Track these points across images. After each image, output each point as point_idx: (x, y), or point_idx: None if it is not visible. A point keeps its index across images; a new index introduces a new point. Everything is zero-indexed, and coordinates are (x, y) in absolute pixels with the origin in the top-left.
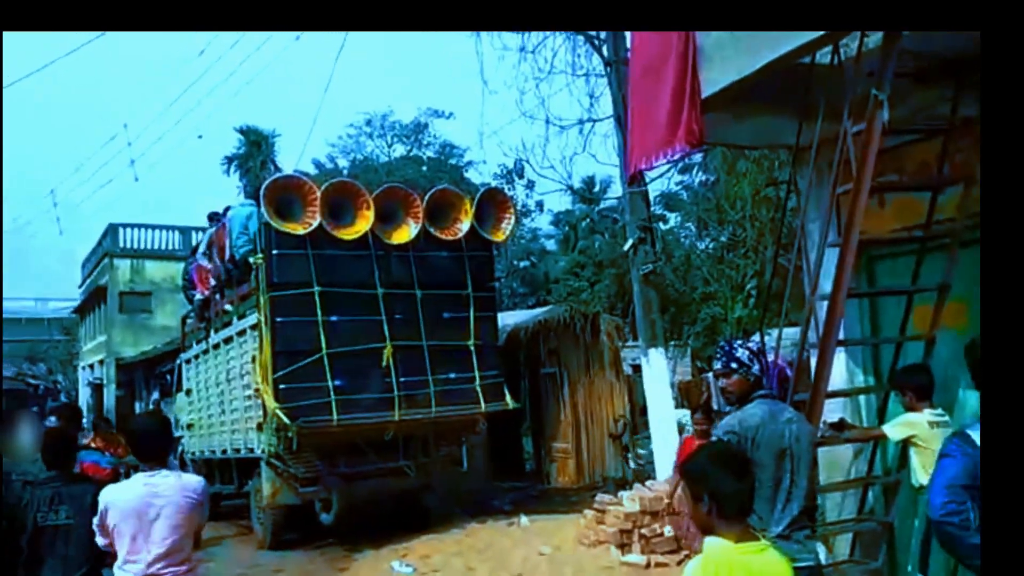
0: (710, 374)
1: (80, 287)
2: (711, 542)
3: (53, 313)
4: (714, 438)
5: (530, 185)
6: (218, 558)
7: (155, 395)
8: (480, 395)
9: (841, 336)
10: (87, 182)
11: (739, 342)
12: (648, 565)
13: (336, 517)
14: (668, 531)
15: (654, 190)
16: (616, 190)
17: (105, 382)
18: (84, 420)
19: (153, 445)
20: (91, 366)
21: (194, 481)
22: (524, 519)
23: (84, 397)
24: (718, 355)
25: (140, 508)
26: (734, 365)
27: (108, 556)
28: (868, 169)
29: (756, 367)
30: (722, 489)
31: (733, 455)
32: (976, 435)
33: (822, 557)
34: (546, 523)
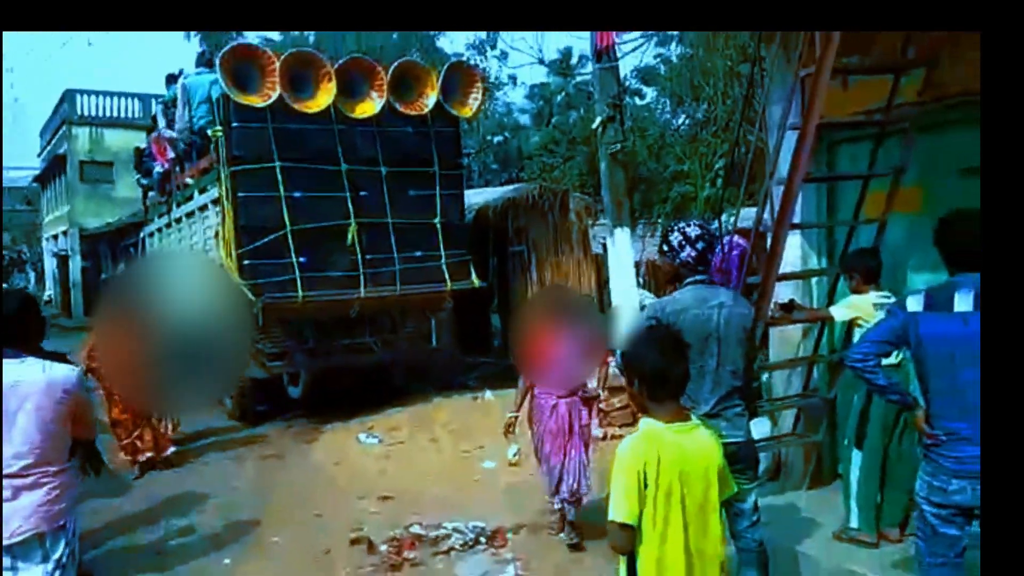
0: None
1: (39, 155)
2: (645, 422)
3: (13, 182)
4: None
5: (503, 57)
6: (188, 429)
7: (121, 267)
8: (446, 273)
9: (797, 219)
10: (41, 44)
11: (682, 225)
12: (605, 437)
13: (304, 391)
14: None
15: (631, 64)
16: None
17: (70, 254)
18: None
19: (14, 327)
20: (55, 237)
21: (62, 373)
22: (489, 393)
23: (49, 268)
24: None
25: (4, 397)
26: (665, 248)
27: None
28: (831, 52)
29: (686, 252)
30: (653, 373)
31: (666, 339)
32: (913, 301)
33: (766, 430)
34: (509, 398)
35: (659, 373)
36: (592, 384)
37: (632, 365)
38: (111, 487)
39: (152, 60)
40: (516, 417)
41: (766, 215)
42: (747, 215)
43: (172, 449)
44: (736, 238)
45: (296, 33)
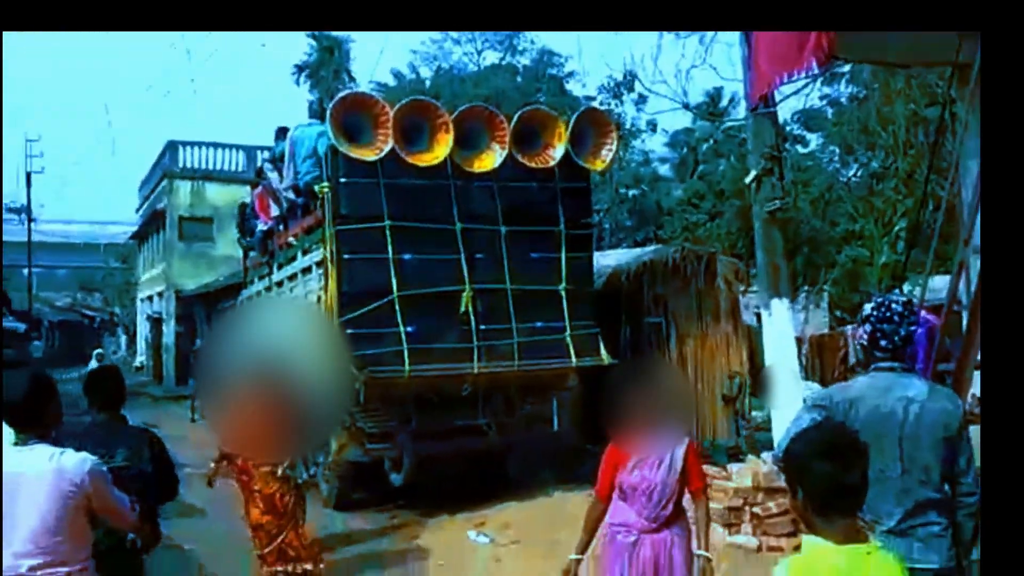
0: (849, 327)
1: (137, 211)
2: (807, 542)
3: (110, 238)
4: (801, 414)
5: (641, 100)
6: None
7: (212, 337)
8: (571, 347)
9: None
10: (143, 97)
11: (879, 296)
12: (760, 548)
13: (407, 478)
14: None
15: (791, 107)
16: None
17: (164, 317)
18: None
19: (23, 409)
20: (149, 298)
21: (73, 462)
22: None
23: (143, 332)
24: None
25: (6, 488)
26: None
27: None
28: None
29: (859, 332)
30: (819, 483)
31: (838, 440)
32: None
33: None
34: None
35: (829, 484)
36: (691, 514)
37: (795, 471)
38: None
39: (258, 109)
40: (578, 561)
41: (961, 289)
42: (937, 286)
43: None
44: (923, 313)
45: (412, 77)
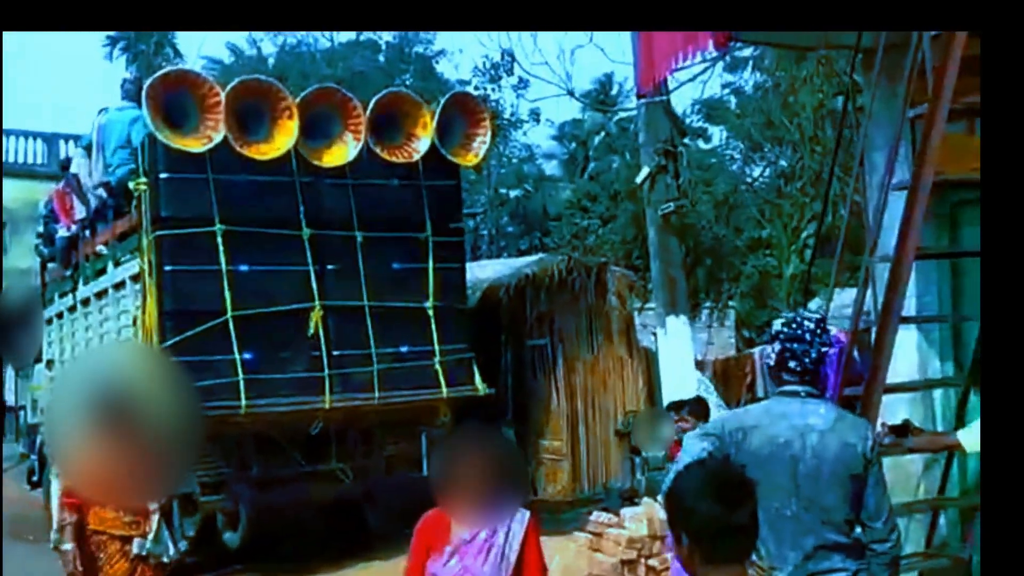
0: (756, 349)
1: None
2: None
3: None
4: (692, 443)
5: (522, 85)
6: None
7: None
8: (441, 375)
9: (910, 310)
10: None
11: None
12: None
13: (245, 537)
14: None
15: (690, 96)
16: None
17: None
18: None
19: None
20: None
21: None
22: None
23: None
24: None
25: None
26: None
27: None
28: (949, 85)
29: (772, 348)
30: (704, 526)
31: (724, 477)
32: None
33: None
34: None
35: (713, 526)
36: None
37: (677, 514)
38: None
39: (62, 89)
40: None
41: (868, 303)
42: (846, 301)
43: None
44: (836, 333)
45: (252, 53)
